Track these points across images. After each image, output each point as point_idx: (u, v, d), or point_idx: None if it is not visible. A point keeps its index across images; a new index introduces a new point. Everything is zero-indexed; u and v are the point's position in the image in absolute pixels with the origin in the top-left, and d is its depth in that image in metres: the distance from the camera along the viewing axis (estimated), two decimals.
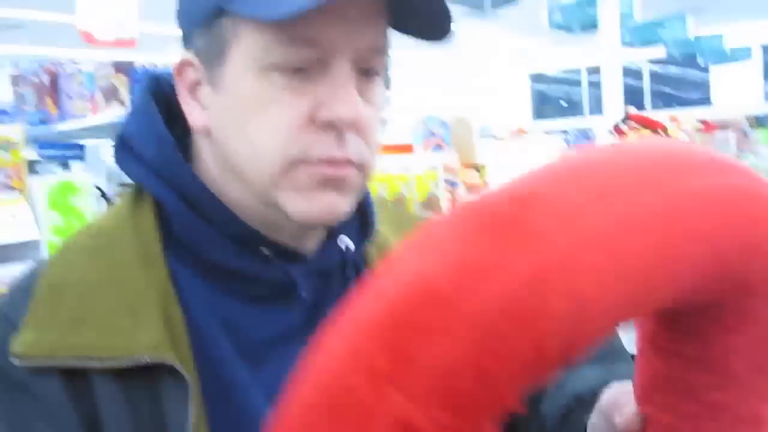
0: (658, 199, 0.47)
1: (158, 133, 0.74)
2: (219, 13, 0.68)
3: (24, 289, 0.69)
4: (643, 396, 0.61)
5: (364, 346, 0.44)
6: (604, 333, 0.47)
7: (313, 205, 0.69)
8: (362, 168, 0.71)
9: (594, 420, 0.66)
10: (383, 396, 0.43)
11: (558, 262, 0.44)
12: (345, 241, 0.78)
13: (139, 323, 0.66)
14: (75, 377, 0.64)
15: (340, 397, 0.44)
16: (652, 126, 5.87)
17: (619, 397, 0.63)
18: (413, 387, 0.42)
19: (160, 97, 0.77)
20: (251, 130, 0.68)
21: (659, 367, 0.58)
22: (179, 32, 0.75)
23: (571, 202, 0.46)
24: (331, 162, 0.68)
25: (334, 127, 0.67)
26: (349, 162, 0.69)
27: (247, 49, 0.67)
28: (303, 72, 0.67)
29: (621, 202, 0.46)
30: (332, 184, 0.69)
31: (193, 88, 0.73)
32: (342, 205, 0.70)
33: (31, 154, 2.64)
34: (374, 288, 0.47)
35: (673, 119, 6.38)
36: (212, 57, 0.70)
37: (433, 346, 0.43)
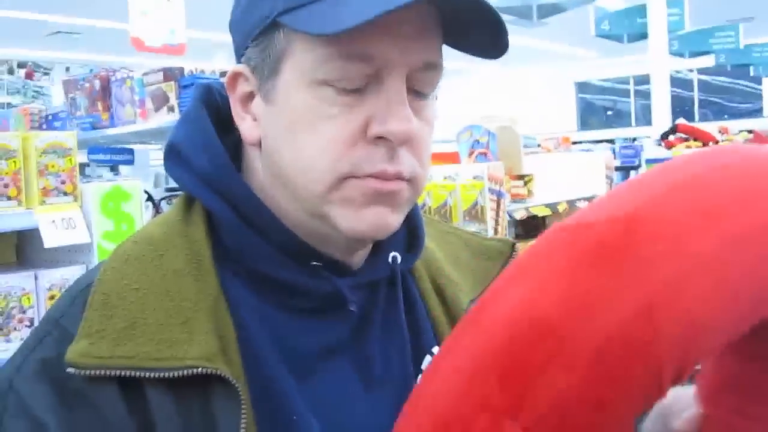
0: (760, 212, 0.47)
1: (210, 143, 0.74)
2: (274, 26, 0.68)
3: (78, 298, 0.70)
4: (708, 396, 0.59)
5: (479, 380, 0.44)
6: (715, 350, 0.47)
7: (362, 220, 0.69)
8: (413, 183, 0.70)
9: (649, 426, 0.65)
10: (500, 429, 0.43)
11: (668, 288, 0.44)
12: (393, 254, 0.78)
13: (192, 334, 0.66)
14: (129, 385, 0.65)
15: (456, 429, 0.44)
16: (701, 137, 5.78)
17: (678, 401, 0.61)
18: (530, 420, 0.43)
19: (211, 106, 0.78)
20: (302, 144, 0.68)
21: (733, 369, 0.57)
22: (226, 39, 0.75)
23: (674, 224, 0.45)
24: (382, 176, 0.68)
25: (387, 142, 0.67)
26: (400, 177, 0.68)
27: (300, 63, 0.68)
28: (356, 87, 0.67)
29: (724, 220, 0.46)
30: (383, 198, 0.69)
31: (245, 99, 0.74)
32: (392, 219, 0.70)
33: (81, 157, 2.70)
34: (482, 320, 0.47)
35: (723, 130, 6.27)
36: (265, 70, 0.70)
37: (548, 378, 0.43)
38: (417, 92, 0.70)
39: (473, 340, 0.46)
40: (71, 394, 0.64)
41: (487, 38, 0.69)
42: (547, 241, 0.48)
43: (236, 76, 0.73)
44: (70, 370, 0.64)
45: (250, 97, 0.73)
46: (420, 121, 0.69)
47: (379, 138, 0.67)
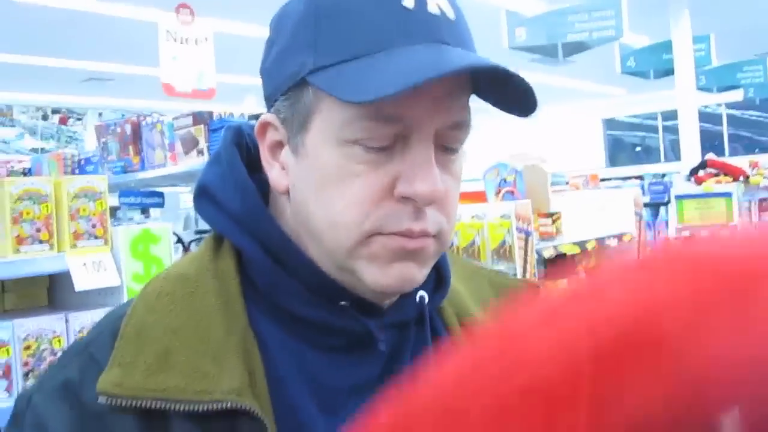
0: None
1: (242, 183, 0.75)
2: (303, 82, 0.69)
3: (109, 329, 0.71)
4: None
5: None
6: None
7: (388, 275, 0.69)
8: (439, 238, 0.71)
9: None
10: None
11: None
12: (420, 294, 0.78)
13: (222, 368, 0.67)
14: (153, 418, 0.65)
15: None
16: (732, 171, 5.73)
17: None
18: None
19: (241, 147, 0.79)
20: (329, 201, 0.69)
21: None
22: (255, 82, 0.76)
23: None
24: (408, 235, 0.68)
25: (413, 201, 0.67)
26: (426, 234, 0.69)
27: (329, 122, 0.68)
28: (384, 145, 0.67)
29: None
30: (408, 255, 0.69)
31: (274, 148, 0.74)
32: (417, 274, 0.71)
33: (112, 200, 2.74)
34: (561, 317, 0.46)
35: (754, 164, 6.21)
36: (294, 124, 0.71)
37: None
38: (445, 148, 0.70)
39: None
40: (89, 418, 0.65)
41: (515, 100, 0.69)
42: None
43: (266, 125, 0.74)
44: (101, 398, 0.65)
45: (279, 145, 0.74)
46: (446, 176, 0.70)
47: (406, 197, 0.67)
